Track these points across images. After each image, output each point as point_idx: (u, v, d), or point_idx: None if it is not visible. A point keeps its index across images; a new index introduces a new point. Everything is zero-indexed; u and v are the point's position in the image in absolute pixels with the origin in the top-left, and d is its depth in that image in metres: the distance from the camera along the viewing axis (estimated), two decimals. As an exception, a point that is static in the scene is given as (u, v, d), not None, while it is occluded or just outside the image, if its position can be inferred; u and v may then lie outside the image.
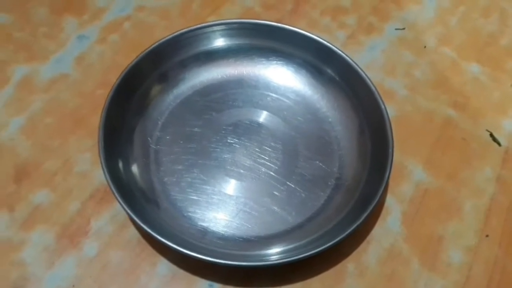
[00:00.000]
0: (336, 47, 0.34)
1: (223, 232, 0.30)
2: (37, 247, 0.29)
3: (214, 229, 0.30)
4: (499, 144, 0.35)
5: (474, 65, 0.38)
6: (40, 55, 0.36)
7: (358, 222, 0.28)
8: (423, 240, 0.31)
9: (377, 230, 0.31)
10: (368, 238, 0.31)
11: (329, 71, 0.34)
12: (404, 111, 0.36)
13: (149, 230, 0.27)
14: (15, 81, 0.35)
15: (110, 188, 0.28)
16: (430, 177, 0.33)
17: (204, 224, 0.30)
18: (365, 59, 0.38)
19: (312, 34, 0.34)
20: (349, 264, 0.30)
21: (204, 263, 0.27)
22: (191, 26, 0.34)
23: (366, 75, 0.33)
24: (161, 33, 0.34)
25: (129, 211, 0.27)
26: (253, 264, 0.28)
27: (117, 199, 0.28)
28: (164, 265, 0.29)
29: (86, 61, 0.36)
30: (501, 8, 0.42)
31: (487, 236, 0.31)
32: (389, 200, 0.32)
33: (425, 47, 0.39)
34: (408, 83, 0.37)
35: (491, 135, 0.35)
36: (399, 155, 0.34)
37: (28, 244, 0.30)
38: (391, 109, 0.36)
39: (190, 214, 0.30)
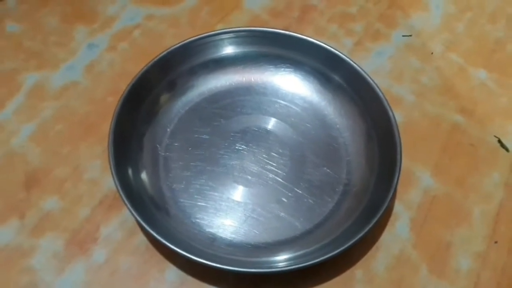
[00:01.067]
0: (343, 54, 0.34)
1: (231, 239, 0.30)
2: (47, 253, 0.30)
3: (223, 235, 0.30)
4: (507, 150, 0.35)
5: (481, 71, 0.38)
6: (51, 63, 0.37)
7: (366, 229, 0.28)
8: (432, 247, 0.31)
9: (386, 236, 0.31)
10: (377, 244, 0.31)
11: (336, 78, 0.35)
12: (412, 117, 0.36)
13: (158, 237, 0.27)
14: (26, 88, 0.36)
15: (120, 195, 0.28)
16: (438, 183, 0.33)
17: (212, 231, 0.30)
18: (372, 65, 0.38)
19: (320, 41, 0.35)
20: (357, 271, 0.30)
21: (213, 270, 0.27)
22: (200, 34, 0.35)
23: (373, 81, 0.33)
24: (170, 41, 0.35)
25: (138, 217, 0.28)
26: (261, 270, 0.28)
27: (126, 206, 0.28)
28: (172, 272, 0.30)
29: (96, 69, 0.37)
30: (508, 14, 0.42)
31: (495, 242, 0.31)
32: (398, 206, 0.32)
33: (432, 53, 0.39)
34: (415, 89, 0.37)
35: (499, 141, 0.35)
36: (407, 161, 0.34)
37: (38, 251, 0.30)
38: (398, 115, 0.36)
39: (198, 220, 0.31)
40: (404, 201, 0.32)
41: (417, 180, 0.33)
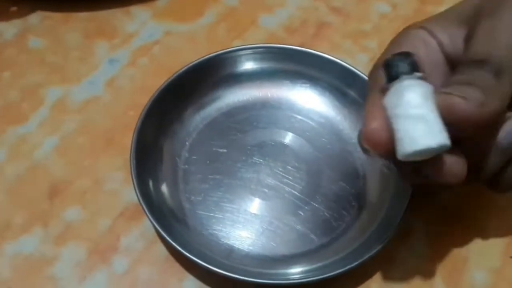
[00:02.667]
0: (358, 70, 0.35)
1: (248, 251, 0.31)
2: (69, 262, 0.30)
3: (240, 247, 0.31)
4: (522, 165, 0.35)
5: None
6: (73, 78, 0.38)
7: (381, 244, 0.28)
8: (447, 261, 0.31)
9: (401, 250, 0.31)
10: (393, 258, 0.31)
11: (352, 93, 0.35)
12: (426, 133, 0.36)
13: (178, 247, 0.28)
14: (49, 102, 0.37)
15: (142, 206, 0.29)
16: (454, 197, 0.33)
17: (230, 242, 0.31)
18: (387, 81, 0.39)
19: (335, 57, 0.35)
20: (373, 284, 0.30)
21: (230, 281, 0.28)
22: (218, 51, 0.36)
23: None
24: (188, 57, 0.36)
25: (159, 228, 0.28)
26: (277, 282, 0.29)
27: (148, 217, 0.29)
28: (191, 282, 0.30)
29: (116, 83, 0.38)
30: None
31: (511, 257, 0.31)
32: (413, 220, 0.32)
33: (446, 70, 0.40)
34: (429, 105, 0.38)
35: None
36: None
37: (60, 259, 0.31)
38: (413, 131, 0.36)
39: (216, 232, 0.31)
40: (420, 215, 0.33)
41: (433, 193, 0.34)
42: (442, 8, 0.43)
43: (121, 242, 0.31)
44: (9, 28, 0.40)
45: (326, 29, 0.42)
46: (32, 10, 0.41)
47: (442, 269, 0.31)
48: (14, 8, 0.41)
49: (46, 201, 0.32)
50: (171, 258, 0.31)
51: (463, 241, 0.32)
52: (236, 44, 0.40)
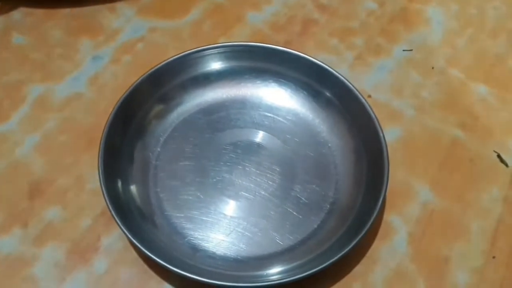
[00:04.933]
0: (336, 72, 0.34)
1: (214, 251, 0.30)
2: (49, 262, 0.30)
3: (205, 247, 0.30)
4: (506, 165, 0.35)
5: (482, 86, 0.39)
6: (55, 75, 0.37)
7: (344, 251, 0.28)
8: (430, 261, 0.31)
9: (384, 250, 0.31)
10: (375, 258, 0.31)
11: (329, 95, 0.35)
12: (412, 132, 0.36)
13: (137, 243, 0.28)
14: (31, 100, 0.36)
15: (107, 205, 0.29)
16: (437, 198, 0.33)
17: (196, 242, 0.30)
18: (373, 79, 0.38)
19: (312, 57, 0.35)
20: (355, 284, 0.30)
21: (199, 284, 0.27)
22: (197, 48, 0.35)
23: (366, 101, 0.33)
24: (173, 53, 0.35)
25: (119, 222, 0.28)
26: (240, 285, 0.28)
27: (112, 216, 0.28)
28: (171, 283, 0.30)
29: (100, 80, 0.37)
30: (508, 30, 0.42)
31: (493, 257, 0.31)
32: (396, 220, 0.32)
33: (432, 68, 0.39)
34: (415, 104, 0.37)
35: (499, 156, 0.35)
36: (406, 175, 0.34)
37: (39, 260, 0.30)
38: (398, 130, 0.36)
39: (183, 231, 0.31)
40: (402, 215, 0.33)
41: (416, 194, 0.33)
42: (429, 6, 0.43)
43: (101, 242, 0.31)
44: (-9, 25, 0.40)
45: (313, 26, 0.41)
46: (15, 6, 0.41)
47: (424, 269, 0.31)
48: (-3, 4, 0.41)
49: (26, 200, 0.32)
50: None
51: (446, 241, 0.32)
52: (221, 41, 0.40)
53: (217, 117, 0.35)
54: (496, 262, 0.31)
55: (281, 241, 0.31)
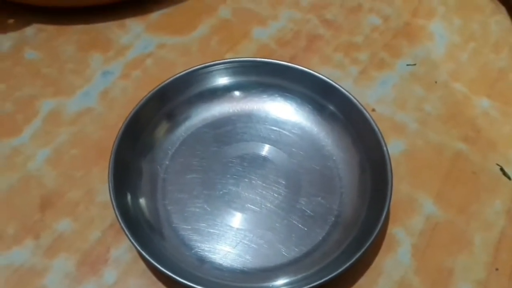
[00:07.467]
0: (340, 86, 0.35)
1: (221, 262, 0.31)
2: (59, 273, 0.31)
3: (212, 259, 0.31)
4: (509, 178, 0.35)
5: (485, 100, 0.39)
6: (67, 90, 0.38)
7: (349, 263, 0.28)
8: (433, 273, 0.32)
9: (388, 262, 0.32)
10: (379, 270, 0.31)
11: (334, 109, 0.36)
12: (415, 145, 0.37)
13: (145, 255, 0.28)
14: (43, 114, 0.37)
15: (117, 218, 0.29)
16: (440, 211, 0.34)
17: (203, 254, 0.31)
18: (377, 93, 0.39)
19: (316, 72, 0.35)
20: (359, 296, 0.31)
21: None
22: (204, 63, 0.36)
23: (369, 114, 0.34)
24: (181, 69, 0.36)
25: (130, 237, 0.29)
26: None
27: (122, 229, 0.29)
28: (179, 293, 0.30)
29: (110, 95, 0.38)
30: (511, 44, 0.43)
31: (496, 269, 0.32)
32: (400, 232, 0.33)
33: (436, 82, 0.40)
34: (419, 117, 0.38)
35: (501, 169, 0.36)
36: (409, 189, 0.35)
37: (51, 271, 0.31)
38: (401, 143, 0.37)
39: (190, 243, 0.31)
40: (406, 227, 0.33)
41: (419, 207, 0.34)
42: (432, 21, 0.44)
43: (110, 254, 0.32)
44: (5, 41, 0.41)
45: (318, 41, 0.42)
46: (28, 23, 0.42)
47: (428, 281, 0.31)
48: (11, 21, 0.42)
49: (38, 213, 0.33)
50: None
51: (449, 254, 0.32)
52: (228, 56, 0.41)
53: (224, 131, 0.36)
54: (499, 274, 0.31)
55: (287, 253, 0.31)
